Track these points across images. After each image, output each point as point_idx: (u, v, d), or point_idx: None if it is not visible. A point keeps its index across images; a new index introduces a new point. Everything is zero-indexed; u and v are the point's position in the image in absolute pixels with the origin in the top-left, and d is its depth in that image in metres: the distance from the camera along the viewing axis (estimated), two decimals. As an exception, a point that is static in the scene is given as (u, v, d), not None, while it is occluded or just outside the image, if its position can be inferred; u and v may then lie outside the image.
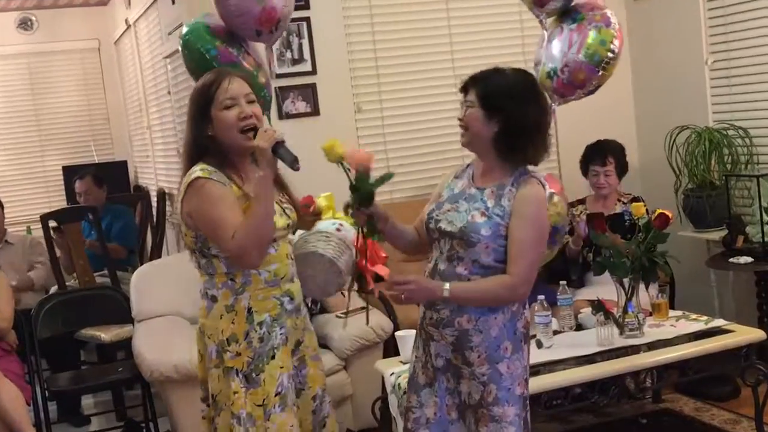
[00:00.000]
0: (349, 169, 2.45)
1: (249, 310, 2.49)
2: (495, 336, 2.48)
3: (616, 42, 3.43)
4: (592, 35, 3.43)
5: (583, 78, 3.42)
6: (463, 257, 2.47)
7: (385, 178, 2.50)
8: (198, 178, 2.44)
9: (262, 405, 2.47)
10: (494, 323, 2.48)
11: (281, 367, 2.50)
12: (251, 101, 2.50)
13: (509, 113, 2.44)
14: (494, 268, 2.46)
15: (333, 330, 4.02)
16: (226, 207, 2.42)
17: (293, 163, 2.41)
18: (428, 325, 2.56)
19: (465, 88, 2.52)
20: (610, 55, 3.35)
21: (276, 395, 2.48)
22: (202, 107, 2.48)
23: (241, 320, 2.48)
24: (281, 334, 2.52)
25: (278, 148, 2.41)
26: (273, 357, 2.49)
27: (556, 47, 3.48)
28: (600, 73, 3.37)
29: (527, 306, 2.60)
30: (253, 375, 2.47)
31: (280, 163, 2.48)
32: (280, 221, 2.52)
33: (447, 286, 2.43)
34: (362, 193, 2.44)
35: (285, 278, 2.54)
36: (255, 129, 2.46)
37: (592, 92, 3.49)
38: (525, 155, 2.49)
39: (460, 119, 2.52)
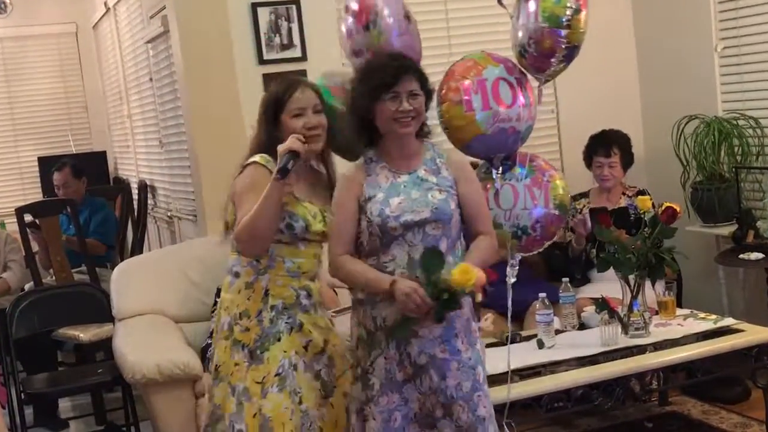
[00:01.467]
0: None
1: (266, 291, 2.78)
2: (467, 318, 2.72)
3: None
4: None
5: (550, 44, 3.42)
6: (440, 239, 2.65)
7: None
8: (255, 162, 2.76)
9: (261, 383, 2.72)
10: (466, 305, 2.68)
11: (285, 351, 2.75)
12: (318, 111, 2.81)
13: (428, 91, 2.75)
14: (458, 238, 2.73)
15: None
16: (255, 193, 2.66)
17: (278, 172, 2.61)
18: None
19: (396, 80, 2.65)
20: (568, 12, 3.37)
21: (276, 375, 2.73)
22: (273, 112, 2.81)
23: (257, 298, 2.78)
24: (287, 323, 2.77)
25: (286, 155, 2.63)
26: (279, 339, 2.76)
27: (519, 23, 3.51)
28: (565, 33, 3.38)
29: None
30: (258, 352, 2.74)
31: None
32: (317, 226, 2.79)
33: None
34: (453, 302, 2.58)
35: (307, 274, 2.83)
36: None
37: (568, 58, 3.49)
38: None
39: (412, 110, 2.66)
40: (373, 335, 2.69)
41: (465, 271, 2.53)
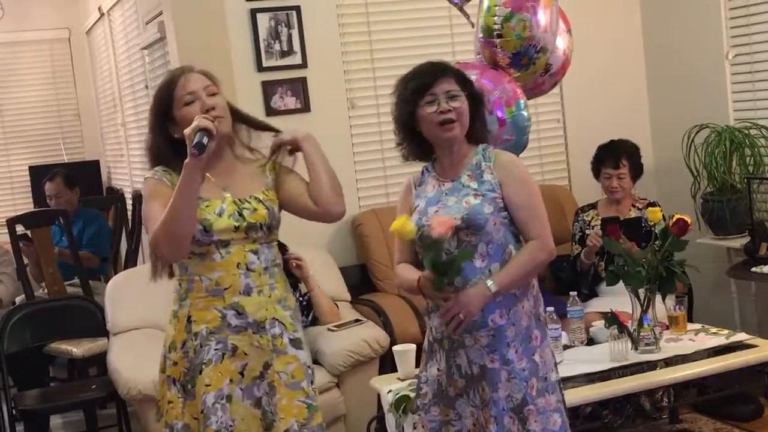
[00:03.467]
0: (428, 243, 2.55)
1: (189, 318, 2.56)
2: (526, 326, 2.65)
3: (502, 4, 3.46)
4: (482, 7, 3.51)
5: (489, 54, 3.47)
6: (477, 244, 2.61)
7: (463, 257, 2.58)
8: (145, 179, 2.60)
9: (197, 419, 2.53)
10: (523, 312, 2.65)
11: (207, 385, 2.51)
12: (212, 94, 2.56)
13: (473, 92, 2.70)
14: (508, 242, 2.64)
15: (325, 344, 4.03)
16: (155, 201, 2.51)
17: (194, 148, 2.37)
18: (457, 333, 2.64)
19: (430, 82, 2.64)
20: (497, 20, 3.41)
21: (201, 412, 2.52)
22: (163, 110, 2.56)
23: (181, 328, 2.57)
24: (216, 349, 2.52)
25: (197, 133, 2.39)
26: (200, 372, 2.52)
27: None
28: (498, 42, 3.41)
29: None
30: (189, 386, 2.55)
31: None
32: (222, 223, 2.51)
33: (489, 282, 2.57)
34: (450, 274, 2.55)
35: (231, 289, 2.53)
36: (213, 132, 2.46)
37: (517, 66, 3.52)
38: (486, 126, 2.82)
39: (452, 110, 2.63)
40: (432, 345, 2.74)
41: (401, 223, 2.55)
